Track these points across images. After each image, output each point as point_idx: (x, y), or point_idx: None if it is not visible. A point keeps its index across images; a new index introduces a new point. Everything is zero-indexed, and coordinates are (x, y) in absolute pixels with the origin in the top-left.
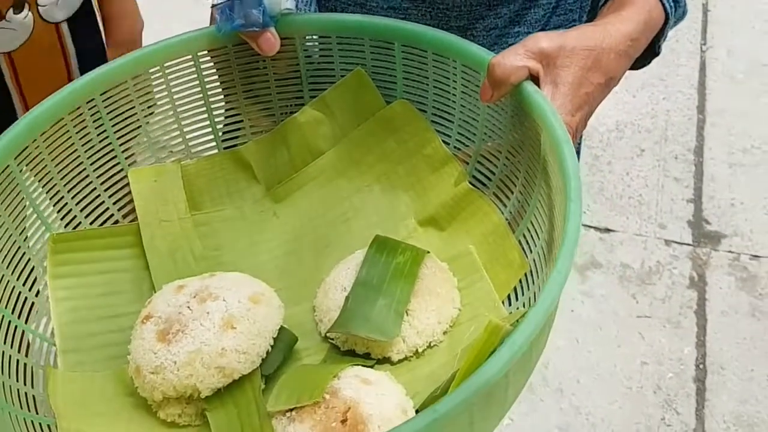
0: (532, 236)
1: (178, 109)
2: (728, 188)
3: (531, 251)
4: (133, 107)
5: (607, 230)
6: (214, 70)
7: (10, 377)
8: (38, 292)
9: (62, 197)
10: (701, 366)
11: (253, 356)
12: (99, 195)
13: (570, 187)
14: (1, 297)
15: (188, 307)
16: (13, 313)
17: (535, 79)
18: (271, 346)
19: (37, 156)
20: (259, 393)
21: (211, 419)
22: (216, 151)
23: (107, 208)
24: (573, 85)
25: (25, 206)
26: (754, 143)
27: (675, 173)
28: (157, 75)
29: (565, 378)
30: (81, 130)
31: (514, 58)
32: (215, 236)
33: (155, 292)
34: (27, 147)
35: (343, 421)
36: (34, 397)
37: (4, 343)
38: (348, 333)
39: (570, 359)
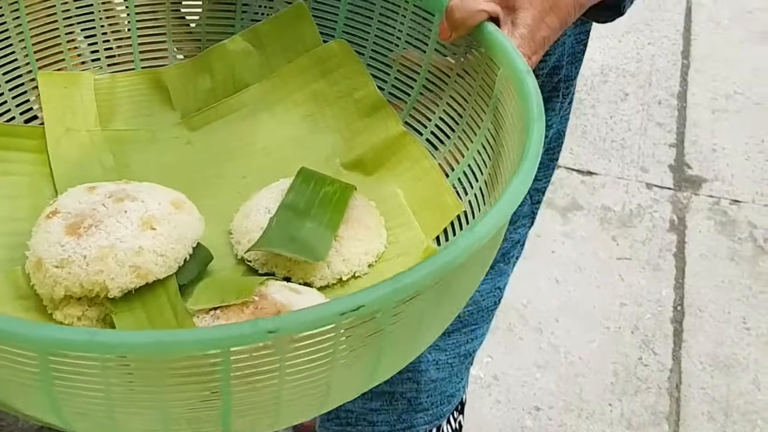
0: (469, 179)
1: (100, 18)
2: (710, 133)
3: (467, 193)
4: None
5: (590, 173)
6: None
7: None
8: None
9: None
10: (679, 308)
11: (171, 261)
12: (2, 93)
13: (532, 109)
14: None
15: (103, 205)
16: None
17: (494, 20)
18: (189, 256)
19: None
20: (176, 295)
21: (117, 321)
22: (133, 68)
23: (9, 110)
24: (531, 27)
25: None
26: (738, 89)
27: (658, 118)
28: None
29: (545, 317)
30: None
31: (474, 2)
32: (124, 154)
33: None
34: None
35: None
36: None
37: None
38: (271, 251)
39: (549, 299)
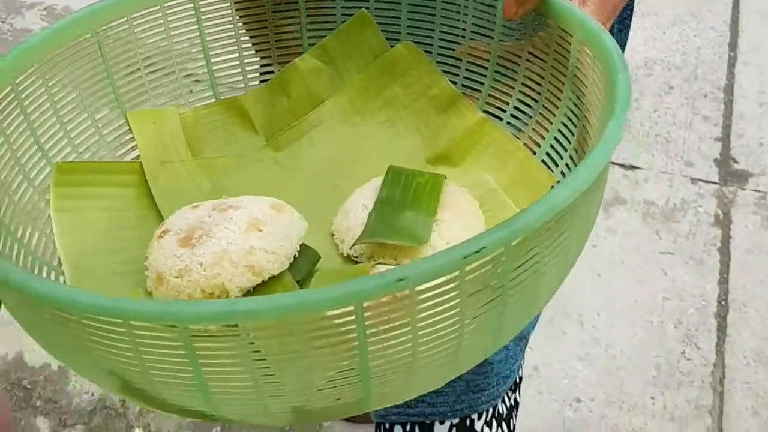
0: (557, 151)
1: (174, 52)
2: (758, 127)
3: (558, 165)
4: (130, 48)
5: (633, 167)
6: (212, 15)
7: None
8: (41, 224)
9: (56, 132)
10: (723, 303)
11: (282, 257)
12: (95, 134)
13: (615, 62)
14: (9, 223)
15: (209, 216)
16: (21, 238)
17: None
18: (297, 253)
19: (34, 86)
20: (294, 286)
21: None
22: (213, 100)
23: (101, 148)
24: None
25: (25, 136)
26: None
27: (704, 111)
28: (156, 15)
29: (586, 310)
30: (80, 66)
31: None
32: (219, 180)
33: None
34: (24, 74)
35: None
36: None
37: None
38: (376, 241)
39: (591, 292)
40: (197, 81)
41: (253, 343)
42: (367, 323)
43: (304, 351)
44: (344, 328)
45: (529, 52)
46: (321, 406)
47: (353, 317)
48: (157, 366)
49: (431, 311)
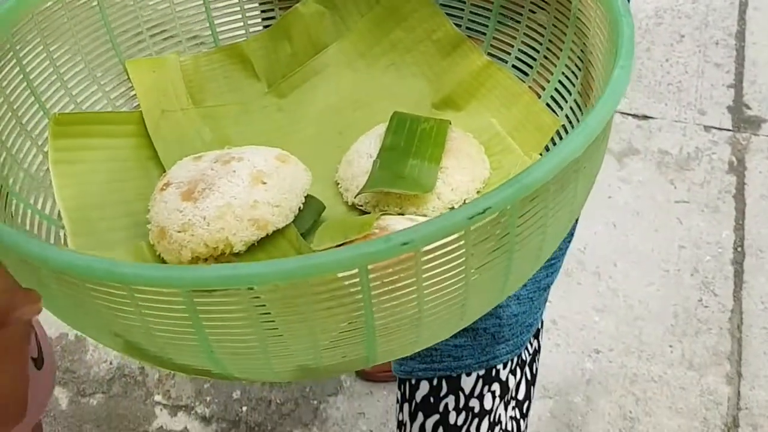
0: (562, 95)
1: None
2: None
3: (562, 108)
4: None
5: (645, 117)
6: None
7: None
8: (41, 177)
9: (53, 83)
10: (739, 249)
11: (286, 210)
12: (93, 84)
13: (617, 6)
14: (7, 176)
15: (212, 169)
16: (19, 192)
17: None
18: (302, 205)
19: (29, 36)
20: (298, 239)
21: None
22: (214, 46)
23: (100, 96)
24: None
25: (22, 88)
26: None
27: (715, 59)
28: None
29: (603, 262)
30: (76, 15)
31: None
32: (221, 128)
33: None
34: (19, 25)
35: None
36: None
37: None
38: (381, 190)
39: (607, 243)
40: (196, 29)
41: (256, 305)
42: (372, 285)
43: (309, 312)
44: (349, 290)
45: None
46: (326, 364)
47: (358, 279)
48: (161, 327)
49: (436, 270)
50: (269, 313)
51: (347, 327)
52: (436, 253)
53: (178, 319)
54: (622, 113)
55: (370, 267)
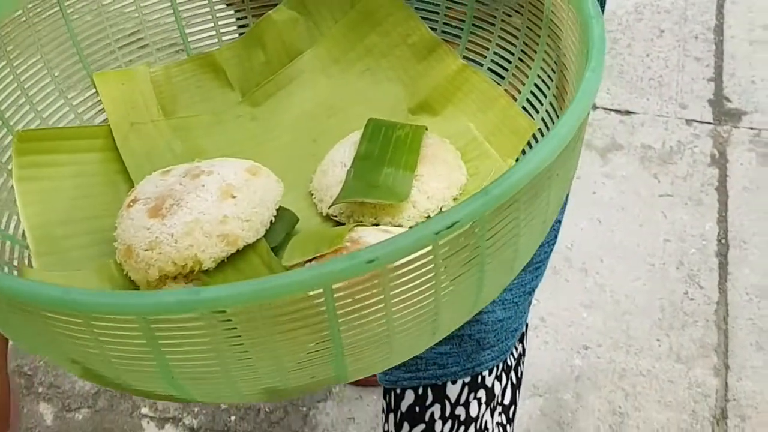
0: (537, 98)
1: (141, 7)
2: (749, 65)
3: (538, 111)
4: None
5: (628, 112)
6: None
7: None
8: (5, 196)
9: (17, 98)
10: (723, 241)
11: (257, 224)
12: (59, 98)
13: (587, 8)
14: None
15: (180, 184)
16: None
17: None
18: (274, 218)
19: None
20: (269, 254)
21: None
22: (185, 56)
23: (68, 110)
24: None
25: None
26: None
27: (695, 53)
28: None
29: (589, 258)
30: (40, 28)
31: None
32: (193, 139)
33: None
34: None
35: None
36: None
37: None
38: (354, 200)
39: (593, 239)
40: (166, 38)
41: (218, 329)
42: (337, 304)
43: (273, 335)
44: (314, 311)
45: None
46: (294, 385)
47: (322, 299)
48: (119, 354)
49: (405, 287)
50: (232, 337)
51: (314, 348)
52: (404, 270)
53: (135, 345)
54: (605, 109)
55: (334, 287)
